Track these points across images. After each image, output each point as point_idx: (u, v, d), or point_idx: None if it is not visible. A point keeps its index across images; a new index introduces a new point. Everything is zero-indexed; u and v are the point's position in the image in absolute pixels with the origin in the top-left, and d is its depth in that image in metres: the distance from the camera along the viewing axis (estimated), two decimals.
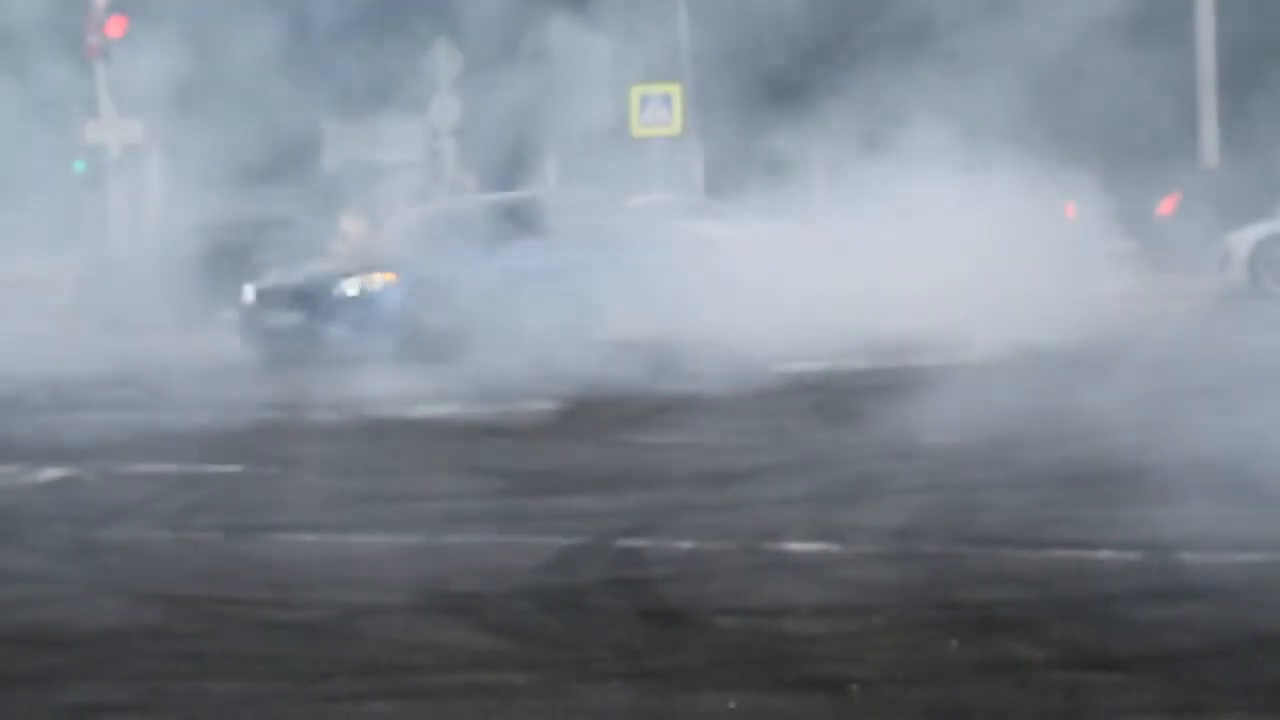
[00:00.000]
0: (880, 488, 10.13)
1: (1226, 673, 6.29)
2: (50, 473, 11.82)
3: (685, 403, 13.83)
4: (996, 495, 9.69)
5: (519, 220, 19.89)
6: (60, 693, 6.48)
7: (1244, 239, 23.90)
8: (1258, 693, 6.05)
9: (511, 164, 28.62)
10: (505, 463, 11.60)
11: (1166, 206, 27.27)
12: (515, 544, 8.87)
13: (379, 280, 18.40)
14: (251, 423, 14.44)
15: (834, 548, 8.47)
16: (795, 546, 8.50)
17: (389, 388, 15.68)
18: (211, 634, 7.36)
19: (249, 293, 18.97)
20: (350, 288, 18.43)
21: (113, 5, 24.24)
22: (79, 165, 25.96)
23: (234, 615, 7.72)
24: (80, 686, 6.56)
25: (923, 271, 19.62)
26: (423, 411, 14.25)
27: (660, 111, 29.67)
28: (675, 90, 28.92)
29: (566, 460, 11.56)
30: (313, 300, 18.49)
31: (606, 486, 10.41)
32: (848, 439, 11.83)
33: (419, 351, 17.30)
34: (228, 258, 21.92)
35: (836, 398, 14.07)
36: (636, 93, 29.05)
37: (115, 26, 24.39)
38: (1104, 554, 8.31)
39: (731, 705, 5.96)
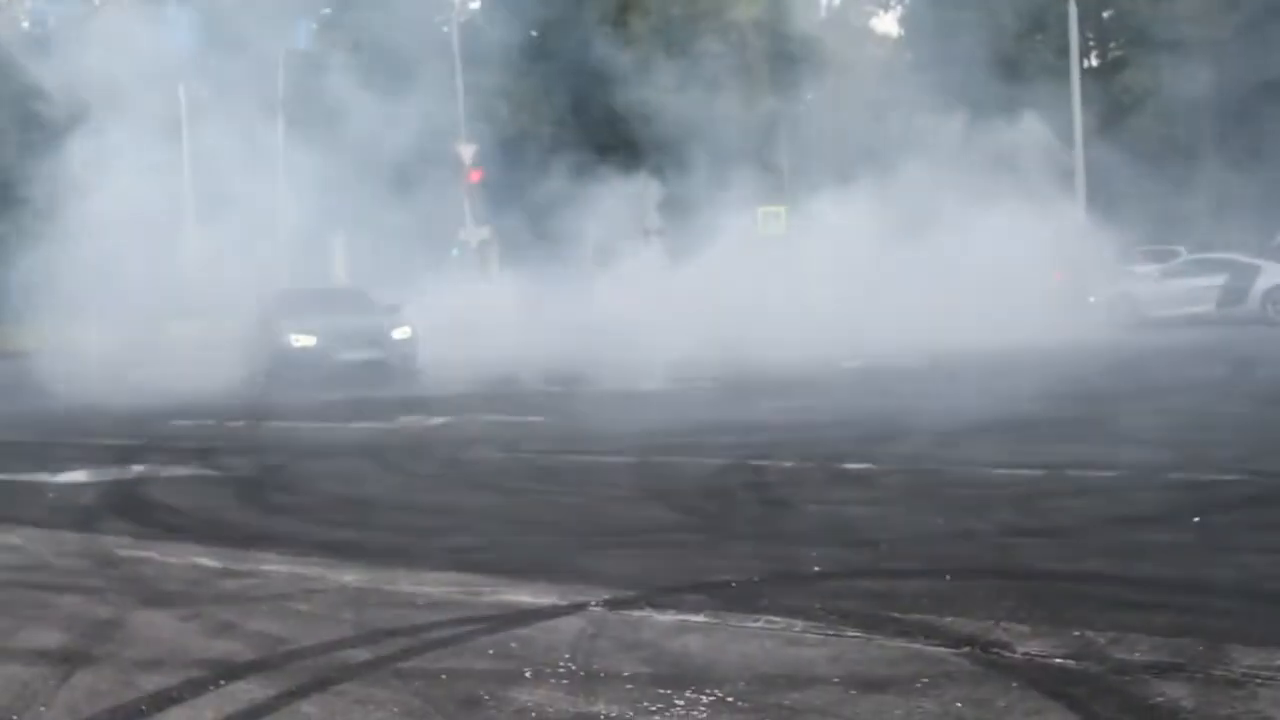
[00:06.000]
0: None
1: None
2: (438, 420, 16.93)
3: None
4: None
5: None
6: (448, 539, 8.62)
7: None
8: None
9: None
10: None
11: None
12: None
13: None
14: None
15: None
16: None
17: None
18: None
19: None
20: None
21: (475, 162, 36.97)
22: (455, 251, 38.16)
23: (544, 503, 10.13)
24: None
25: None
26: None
27: None
28: None
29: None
30: None
31: None
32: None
33: None
34: None
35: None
36: None
37: (475, 176, 37.23)
38: None
39: None
